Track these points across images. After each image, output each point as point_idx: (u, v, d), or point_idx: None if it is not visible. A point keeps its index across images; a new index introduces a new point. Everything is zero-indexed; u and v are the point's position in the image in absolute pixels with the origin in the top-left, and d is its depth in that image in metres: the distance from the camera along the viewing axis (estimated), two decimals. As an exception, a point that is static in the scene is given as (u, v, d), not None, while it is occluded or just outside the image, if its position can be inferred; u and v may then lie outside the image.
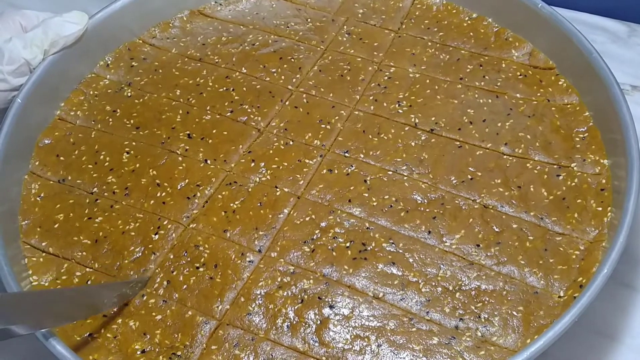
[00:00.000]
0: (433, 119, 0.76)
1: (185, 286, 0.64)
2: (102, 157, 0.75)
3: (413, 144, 0.74)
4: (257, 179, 0.72)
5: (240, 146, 0.75)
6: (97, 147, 0.76)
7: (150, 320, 0.62)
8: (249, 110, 0.79)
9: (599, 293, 0.57)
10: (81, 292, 0.61)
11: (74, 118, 0.80)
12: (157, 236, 0.68)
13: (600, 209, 0.67)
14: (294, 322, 0.61)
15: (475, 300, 0.62)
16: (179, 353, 0.60)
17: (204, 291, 0.64)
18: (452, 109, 0.77)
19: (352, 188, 0.70)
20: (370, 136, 0.75)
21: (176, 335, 0.61)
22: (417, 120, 0.76)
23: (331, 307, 0.62)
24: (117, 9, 0.85)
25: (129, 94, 0.82)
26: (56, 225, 0.70)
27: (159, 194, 0.71)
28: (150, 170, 0.73)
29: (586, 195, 0.68)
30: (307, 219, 0.68)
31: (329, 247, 0.66)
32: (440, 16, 0.88)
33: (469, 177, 0.71)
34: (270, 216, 0.69)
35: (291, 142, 0.75)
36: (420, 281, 0.63)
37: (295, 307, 0.62)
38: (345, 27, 0.88)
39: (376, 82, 0.81)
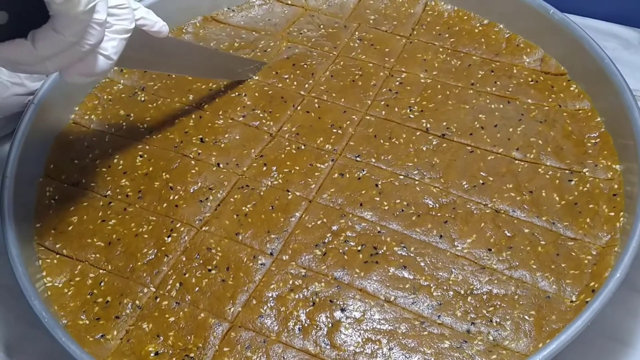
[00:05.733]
0: (444, 124, 0.76)
1: (197, 288, 0.64)
2: (115, 160, 0.76)
3: (424, 148, 0.74)
4: (269, 183, 0.72)
5: (252, 150, 0.75)
6: (111, 150, 0.77)
7: (163, 322, 0.62)
8: (261, 115, 0.79)
9: (611, 298, 0.57)
10: (215, 54, 0.85)
11: (88, 122, 0.81)
12: (169, 239, 0.68)
13: (612, 214, 0.67)
14: (306, 325, 0.61)
15: (486, 305, 0.62)
16: (192, 355, 0.60)
17: (216, 293, 0.64)
18: (463, 114, 0.77)
19: (363, 192, 0.71)
20: (381, 141, 0.75)
21: (189, 337, 0.61)
22: (428, 125, 0.76)
23: (342, 310, 0.62)
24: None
25: (143, 99, 0.83)
26: (70, 228, 0.71)
27: (171, 197, 0.72)
28: (164, 174, 0.74)
29: (598, 201, 0.68)
30: (319, 222, 0.68)
31: (341, 250, 0.66)
32: (451, 22, 0.89)
33: (481, 181, 0.71)
34: (282, 219, 0.69)
35: (303, 147, 0.75)
36: (431, 285, 0.63)
37: (307, 310, 0.62)
38: (357, 33, 0.89)
39: (387, 87, 0.81)
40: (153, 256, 0.67)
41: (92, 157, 0.77)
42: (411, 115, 0.78)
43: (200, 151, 0.76)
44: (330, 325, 0.61)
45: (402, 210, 0.69)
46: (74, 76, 0.58)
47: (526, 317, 0.61)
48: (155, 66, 0.76)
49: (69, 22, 0.53)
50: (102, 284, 0.66)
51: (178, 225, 0.69)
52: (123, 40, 0.59)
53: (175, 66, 0.78)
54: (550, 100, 0.78)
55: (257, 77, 0.84)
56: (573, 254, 0.65)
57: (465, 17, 0.89)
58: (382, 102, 0.79)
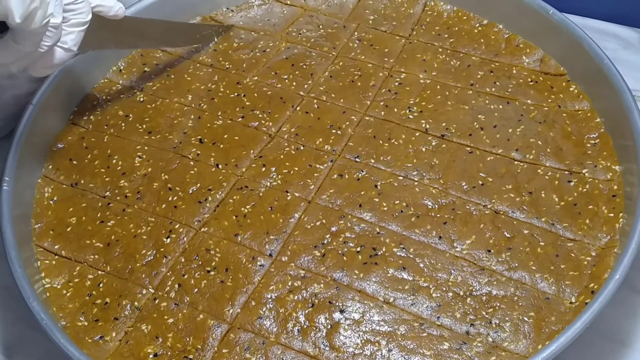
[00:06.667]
0: (444, 124, 0.76)
1: (196, 289, 0.64)
2: (114, 161, 0.76)
3: (424, 149, 0.74)
4: (268, 184, 0.72)
5: (252, 151, 0.75)
6: (110, 151, 0.77)
7: (162, 323, 0.62)
8: (260, 115, 0.79)
9: (610, 299, 0.57)
10: (173, 24, 0.85)
11: (87, 123, 0.81)
12: (168, 240, 0.68)
13: (611, 215, 0.67)
14: (305, 326, 0.61)
15: (486, 306, 0.62)
16: (190, 356, 0.60)
17: (215, 295, 0.64)
18: (462, 115, 0.77)
19: (362, 193, 0.71)
20: (380, 141, 0.75)
21: (188, 339, 0.61)
22: (427, 126, 0.76)
23: (342, 311, 0.62)
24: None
25: (142, 99, 0.83)
26: (69, 229, 0.70)
27: (170, 198, 0.71)
28: (162, 175, 0.74)
29: (597, 202, 0.68)
30: (318, 223, 0.68)
31: (340, 251, 0.66)
32: (450, 23, 0.89)
33: (480, 182, 0.71)
34: (281, 220, 0.69)
35: (302, 147, 0.75)
36: (431, 286, 0.63)
37: (306, 312, 0.62)
38: (356, 33, 0.89)
39: (387, 87, 0.81)
40: (152, 257, 0.67)
41: (90, 157, 0.77)
42: (410, 116, 0.77)
43: (199, 152, 0.76)
44: (329, 326, 0.61)
45: (402, 211, 0.69)
46: (39, 70, 0.63)
47: (525, 318, 0.61)
48: (117, 45, 0.79)
49: (28, 35, 0.57)
50: (100, 285, 0.66)
51: (177, 227, 0.69)
52: (81, 32, 0.63)
53: (137, 42, 0.82)
54: (549, 100, 0.78)
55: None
56: (572, 255, 0.65)
57: (465, 18, 0.89)
58: (382, 103, 0.79)
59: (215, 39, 0.88)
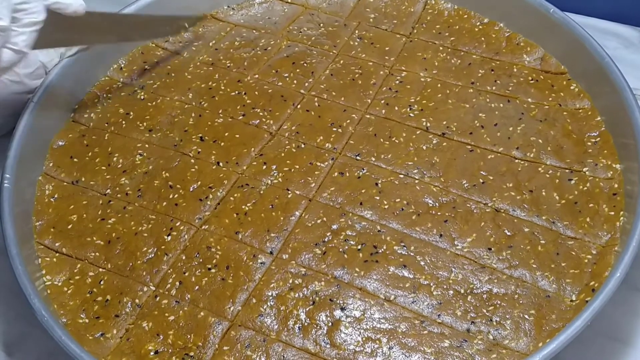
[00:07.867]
0: (444, 122, 0.76)
1: (197, 287, 0.64)
2: (115, 159, 0.76)
3: (424, 147, 0.74)
4: (269, 182, 0.72)
5: (252, 149, 0.75)
6: (111, 149, 0.77)
7: (163, 321, 0.62)
8: (261, 113, 0.79)
9: (611, 297, 0.57)
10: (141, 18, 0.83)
11: (87, 120, 0.81)
12: (169, 237, 0.68)
13: (612, 213, 0.67)
14: (306, 324, 0.61)
15: (486, 304, 0.62)
16: (191, 354, 0.60)
17: (216, 292, 0.64)
18: (463, 113, 0.77)
19: (363, 191, 0.71)
20: (381, 140, 0.75)
21: (189, 336, 0.61)
22: (428, 124, 0.76)
23: (342, 309, 0.62)
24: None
25: (142, 97, 0.83)
26: (70, 226, 0.70)
27: (171, 196, 0.71)
28: (163, 173, 0.74)
29: (598, 200, 0.68)
30: (319, 221, 0.68)
31: (340, 249, 0.66)
32: (451, 21, 0.89)
33: (481, 180, 0.71)
34: (281, 218, 0.69)
35: (303, 145, 0.75)
36: (431, 284, 0.63)
37: (307, 309, 0.62)
38: (357, 31, 0.89)
39: (387, 86, 0.81)
40: (153, 255, 0.67)
41: (91, 155, 0.77)
42: (411, 114, 0.77)
43: (200, 150, 0.76)
44: (330, 324, 0.61)
45: (402, 209, 0.69)
46: None
47: (526, 316, 0.61)
48: (80, 42, 0.76)
49: None
50: (101, 282, 0.66)
51: (178, 224, 0.69)
52: (34, 32, 0.60)
53: (102, 38, 0.78)
54: (550, 99, 0.78)
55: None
56: (573, 253, 0.65)
57: (466, 16, 0.89)
58: (382, 101, 0.79)
59: (187, 27, 0.88)
